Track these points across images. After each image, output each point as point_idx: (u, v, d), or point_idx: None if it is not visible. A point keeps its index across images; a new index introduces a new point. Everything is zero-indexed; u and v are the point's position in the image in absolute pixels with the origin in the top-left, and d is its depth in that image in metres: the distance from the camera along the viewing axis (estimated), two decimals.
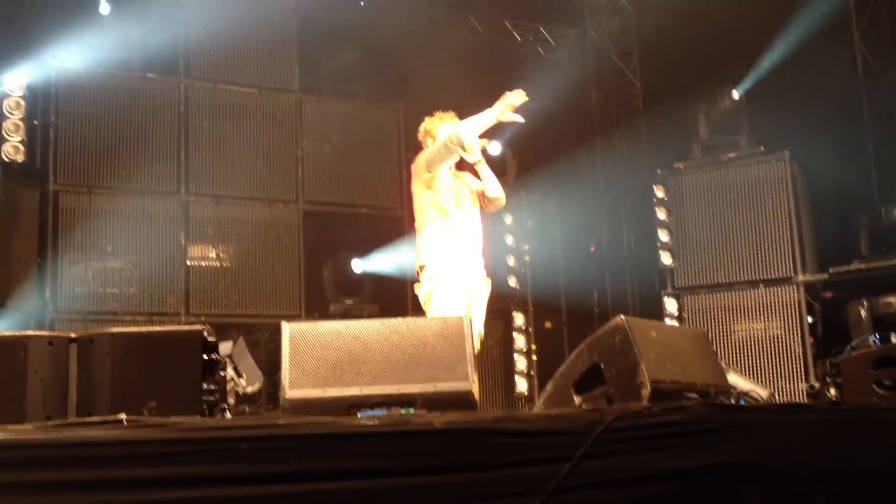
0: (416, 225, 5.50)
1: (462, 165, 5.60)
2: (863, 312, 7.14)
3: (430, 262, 5.32)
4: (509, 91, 5.22)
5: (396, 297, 8.28)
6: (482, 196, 5.55)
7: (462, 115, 5.61)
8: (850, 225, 7.87)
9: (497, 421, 3.07)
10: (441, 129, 5.51)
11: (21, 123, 7.37)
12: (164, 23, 8.28)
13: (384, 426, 2.93)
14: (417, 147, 5.72)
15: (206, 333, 3.36)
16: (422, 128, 5.69)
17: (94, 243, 7.70)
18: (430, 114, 5.65)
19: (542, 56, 10.59)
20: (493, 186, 5.53)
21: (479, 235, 5.51)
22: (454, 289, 5.22)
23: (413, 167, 5.53)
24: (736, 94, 8.47)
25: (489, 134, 5.41)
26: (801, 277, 7.75)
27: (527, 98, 5.20)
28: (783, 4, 8.45)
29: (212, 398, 3.31)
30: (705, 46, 9.12)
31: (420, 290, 5.35)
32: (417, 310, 5.46)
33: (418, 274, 5.39)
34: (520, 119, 5.24)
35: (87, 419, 3.01)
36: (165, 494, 2.50)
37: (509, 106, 5.19)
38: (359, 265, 8.88)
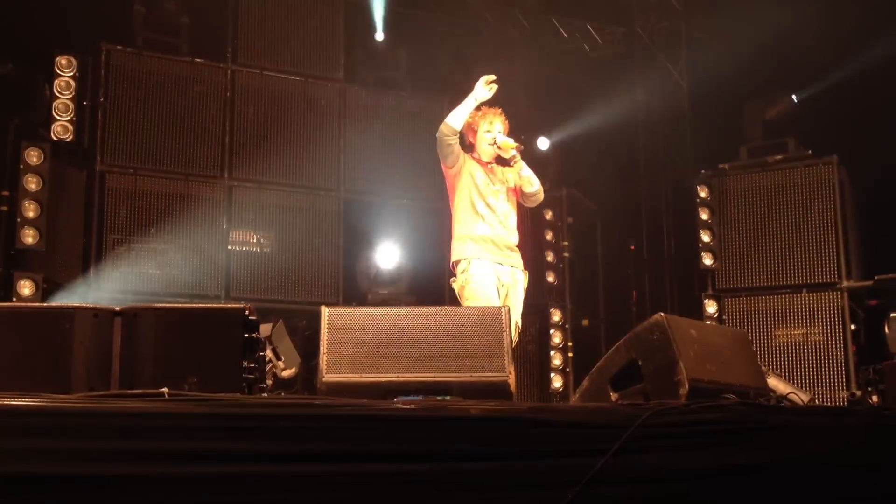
0: (453, 219, 5.55)
1: (501, 161, 5.62)
2: (887, 328, 6.95)
3: (462, 257, 5.37)
4: (484, 76, 5.42)
5: (434, 288, 8.30)
6: (520, 191, 5.57)
7: (506, 112, 5.64)
8: None
9: (533, 411, 3.07)
10: (483, 123, 5.56)
11: (71, 104, 7.50)
12: (213, 9, 8.39)
13: (420, 410, 2.94)
14: (460, 140, 5.74)
15: (247, 312, 3.39)
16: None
17: (138, 224, 7.81)
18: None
19: (588, 54, 10.54)
20: (530, 183, 5.53)
21: (515, 229, 5.52)
22: (487, 286, 5.25)
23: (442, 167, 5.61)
24: (794, 98, 8.36)
25: (522, 137, 5.58)
26: (845, 283, 7.64)
27: (494, 78, 5.37)
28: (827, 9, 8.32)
29: (251, 376, 3.34)
30: (754, 49, 9.01)
31: (455, 285, 5.40)
32: (454, 302, 5.48)
33: (453, 269, 5.44)
34: (493, 90, 5.40)
35: (130, 391, 3.06)
36: (204, 468, 2.54)
37: (484, 88, 5.37)
38: (396, 256, 8.90)
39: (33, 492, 2.40)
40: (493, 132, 5.51)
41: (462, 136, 5.61)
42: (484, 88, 5.37)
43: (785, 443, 3.14)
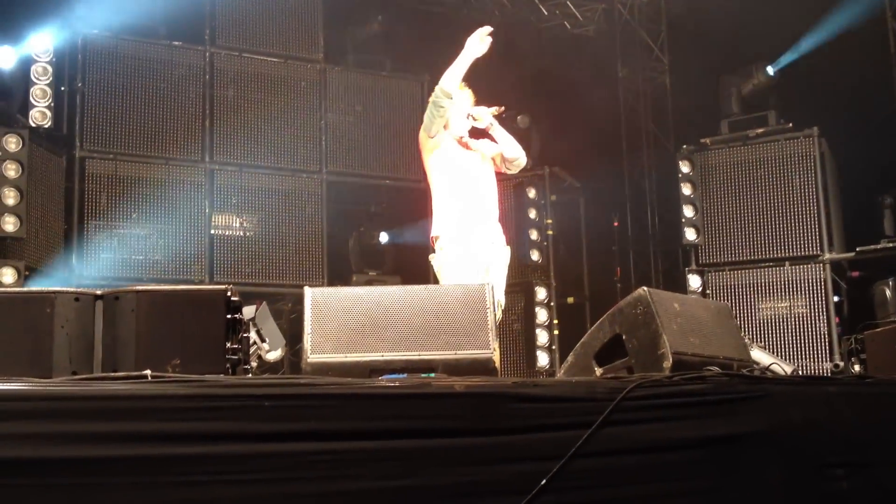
0: (432, 196, 5.50)
1: (477, 133, 5.57)
2: (888, 292, 7.07)
3: (441, 233, 5.32)
4: (477, 30, 5.26)
5: (418, 268, 8.29)
6: (501, 159, 5.52)
7: (483, 90, 5.58)
8: (878, 204, 7.79)
9: (517, 386, 3.08)
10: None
11: (48, 89, 7.41)
12: None
13: (405, 388, 2.94)
14: None
15: (230, 293, 3.38)
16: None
17: (119, 210, 7.76)
18: None
19: (568, 30, 10.52)
20: (510, 147, 5.48)
21: (495, 202, 5.48)
22: (465, 260, 5.21)
23: (420, 140, 5.51)
24: (771, 71, 8.39)
25: (504, 105, 5.49)
26: (827, 256, 7.69)
27: (490, 30, 5.21)
28: None
29: (235, 357, 3.33)
30: (734, 22, 9.01)
31: (434, 262, 5.36)
32: (437, 281, 5.46)
33: (433, 244, 5.40)
34: (487, 45, 5.23)
35: (113, 374, 3.05)
36: (189, 449, 2.53)
37: (478, 41, 5.21)
38: (383, 236, 8.93)
39: (16, 475, 2.39)
40: (465, 108, 5.43)
41: None
42: (478, 42, 5.24)
43: (768, 413, 3.16)
